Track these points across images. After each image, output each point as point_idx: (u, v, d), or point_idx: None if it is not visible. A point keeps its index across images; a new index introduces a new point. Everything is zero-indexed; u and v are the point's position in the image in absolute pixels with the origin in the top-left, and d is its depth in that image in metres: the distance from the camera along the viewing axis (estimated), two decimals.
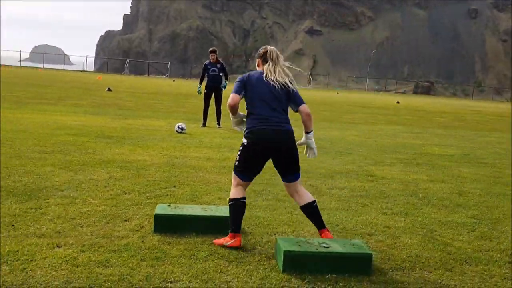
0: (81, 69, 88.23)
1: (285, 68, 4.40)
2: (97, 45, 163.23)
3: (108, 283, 3.44)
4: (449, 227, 5.32)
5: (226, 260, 3.99)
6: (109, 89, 27.99)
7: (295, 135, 4.38)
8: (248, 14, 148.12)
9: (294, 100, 4.39)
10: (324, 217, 5.33)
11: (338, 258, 3.90)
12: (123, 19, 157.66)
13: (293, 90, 4.36)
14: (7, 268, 3.57)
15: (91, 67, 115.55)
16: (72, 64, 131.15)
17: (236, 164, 4.41)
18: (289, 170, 4.39)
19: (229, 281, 3.62)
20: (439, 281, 3.89)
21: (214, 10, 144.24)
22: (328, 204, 5.93)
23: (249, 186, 6.40)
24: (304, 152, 4.59)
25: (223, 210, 4.79)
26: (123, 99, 22.43)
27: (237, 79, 4.46)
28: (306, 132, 4.47)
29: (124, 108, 17.92)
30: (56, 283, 3.39)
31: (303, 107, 4.38)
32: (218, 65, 13.59)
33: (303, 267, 3.85)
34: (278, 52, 4.42)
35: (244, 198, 4.39)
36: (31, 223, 4.55)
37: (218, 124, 13.59)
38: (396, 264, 4.17)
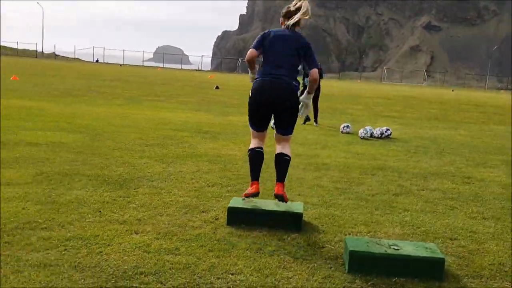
0: (197, 69, 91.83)
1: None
2: (214, 45, 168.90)
3: (173, 270, 3.57)
4: None
5: (291, 257, 3.96)
6: (217, 87, 28.85)
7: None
8: (363, 10, 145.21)
9: (309, 61, 4.63)
10: (407, 218, 5.15)
11: (407, 260, 3.72)
12: (239, 19, 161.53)
13: (310, 52, 4.61)
14: (85, 250, 3.83)
15: (207, 67, 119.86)
16: (190, 64, 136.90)
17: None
18: (282, 123, 4.61)
19: (290, 277, 3.59)
20: None
21: (328, 7, 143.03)
22: (414, 206, 5.67)
23: (334, 184, 6.36)
24: (300, 109, 4.73)
25: (296, 206, 4.76)
26: (229, 97, 23.04)
27: (259, 34, 4.76)
28: (308, 92, 4.74)
29: (228, 105, 18.41)
30: (126, 267, 3.58)
31: (313, 71, 4.59)
32: None
33: (370, 269, 3.72)
34: (300, 6, 4.67)
35: (259, 147, 4.63)
36: (117, 210, 4.85)
37: (316, 121, 13.48)
38: (474, 271, 3.89)
